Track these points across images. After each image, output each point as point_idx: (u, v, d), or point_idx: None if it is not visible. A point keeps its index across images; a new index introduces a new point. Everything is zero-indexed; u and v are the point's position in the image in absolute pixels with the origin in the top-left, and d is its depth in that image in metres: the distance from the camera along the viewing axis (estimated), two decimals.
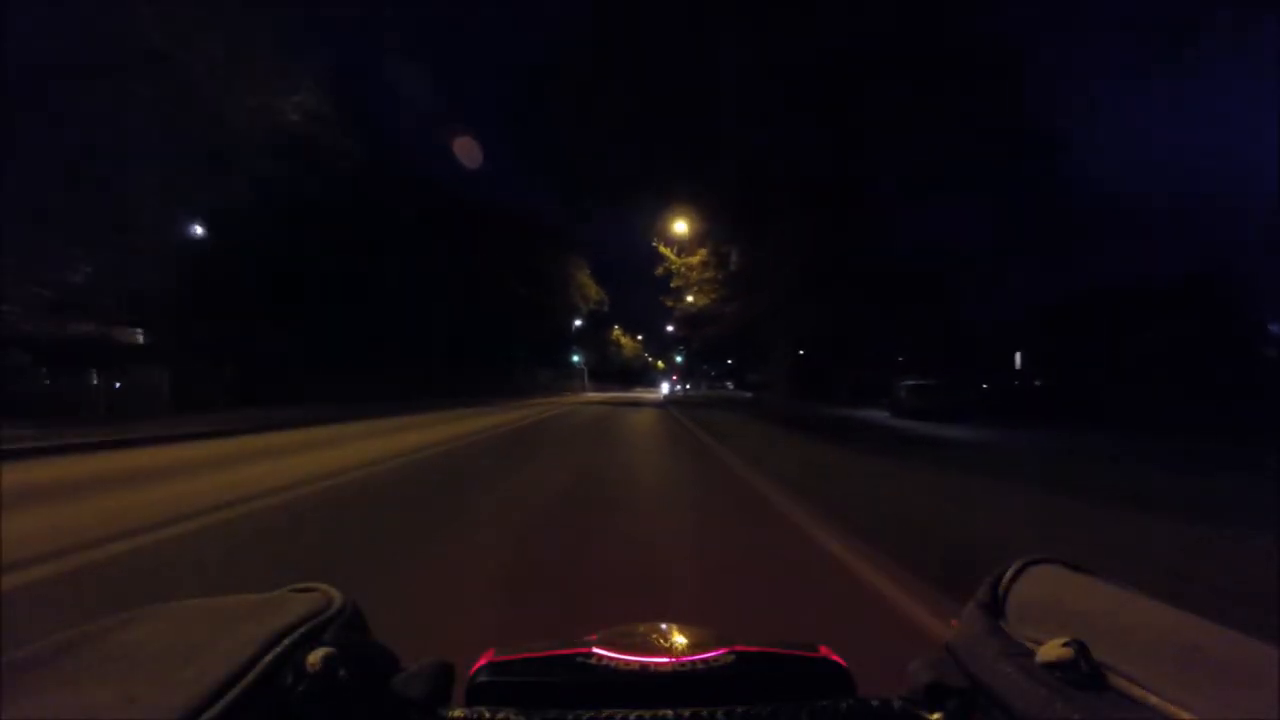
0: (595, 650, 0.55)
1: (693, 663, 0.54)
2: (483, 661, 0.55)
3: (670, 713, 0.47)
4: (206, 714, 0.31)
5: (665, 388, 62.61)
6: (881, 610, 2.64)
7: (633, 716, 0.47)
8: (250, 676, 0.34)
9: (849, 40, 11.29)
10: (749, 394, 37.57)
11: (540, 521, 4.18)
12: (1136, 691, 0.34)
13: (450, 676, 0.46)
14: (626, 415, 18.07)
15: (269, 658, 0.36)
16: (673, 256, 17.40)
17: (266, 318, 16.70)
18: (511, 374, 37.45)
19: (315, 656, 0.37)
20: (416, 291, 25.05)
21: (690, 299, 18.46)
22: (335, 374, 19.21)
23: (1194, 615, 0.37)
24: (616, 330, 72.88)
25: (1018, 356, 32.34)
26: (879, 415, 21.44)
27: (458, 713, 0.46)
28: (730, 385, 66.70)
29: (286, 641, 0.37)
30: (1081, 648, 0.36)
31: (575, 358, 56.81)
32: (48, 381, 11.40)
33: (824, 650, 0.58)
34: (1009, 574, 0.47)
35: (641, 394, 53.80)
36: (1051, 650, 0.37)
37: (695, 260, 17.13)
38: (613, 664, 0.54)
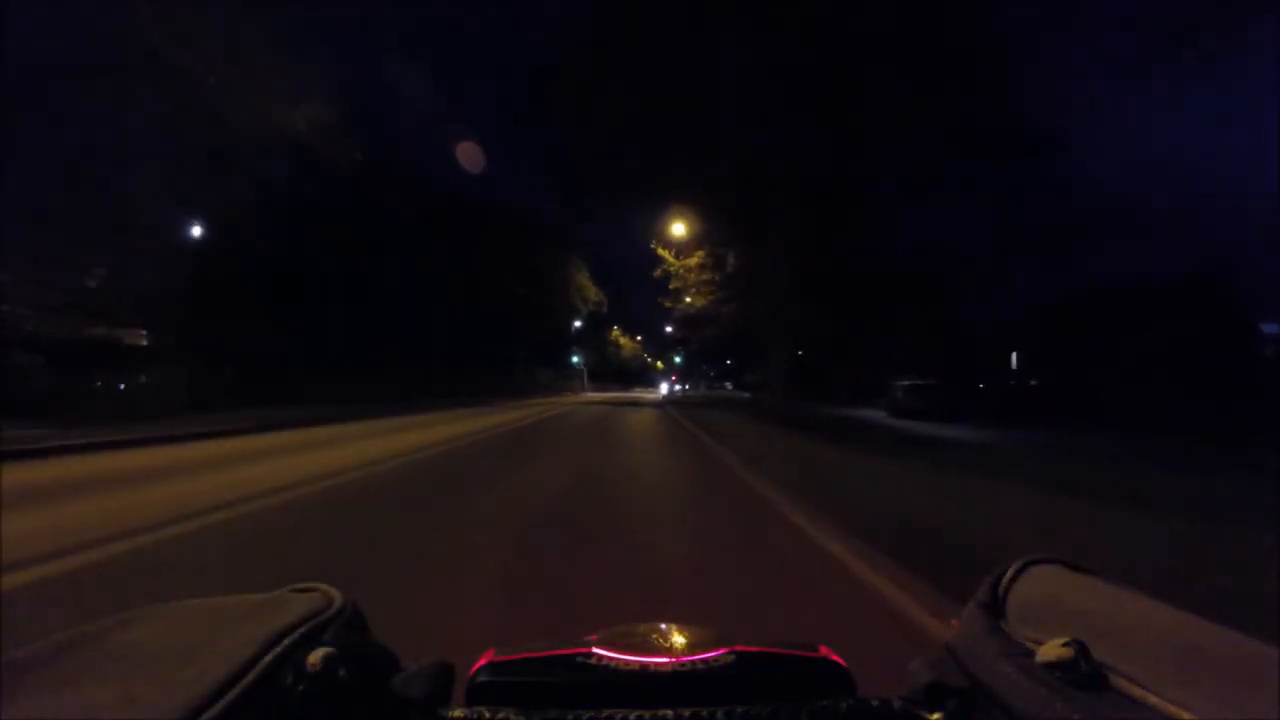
0: (595, 650, 0.55)
1: (693, 663, 0.54)
2: (483, 661, 0.55)
3: (670, 713, 0.47)
4: (206, 714, 0.31)
5: (664, 388, 62.61)
6: (881, 611, 2.64)
7: (633, 716, 0.47)
8: (250, 676, 0.34)
9: (849, 40, 11.30)
10: (747, 394, 37.58)
11: (540, 521, 4.18)
12: (1136, 691, 0.34)
13: (450, 676, 0.46)
14: (626, 415, 18.07)
15: (269, 658, 0.36)
16: (671, 258, 17.46)
17: (266, 318, 16.69)
18: (511, 374, 37.44)
19: (315, 656, 0.37)
20: (416, 291, 25.05)
21: (689, 300, 18.49)
22: (335, 374, 19.19)
23: (1194, 615, 0.37)
24: (616, 331, 72.91)
25: (1014, 356, 32.35)
26: (877, 415, 21.48)
27: (458, 713, 0.46)
28: (729, 386, 66.72)
29: (286, 641, 0.37)
30: (1081, 648, 0.36)
31: (575, 358, 56.82)
32: (56, 382, 11.41)
33: (824, 650, 0.58)
34: (1009, 574, 0.47)
35: (640, 394, 53.81)
36: (1051, 650, 0.37)
37: (693, 262, 17.17)
38: (613, 664, 0.54)
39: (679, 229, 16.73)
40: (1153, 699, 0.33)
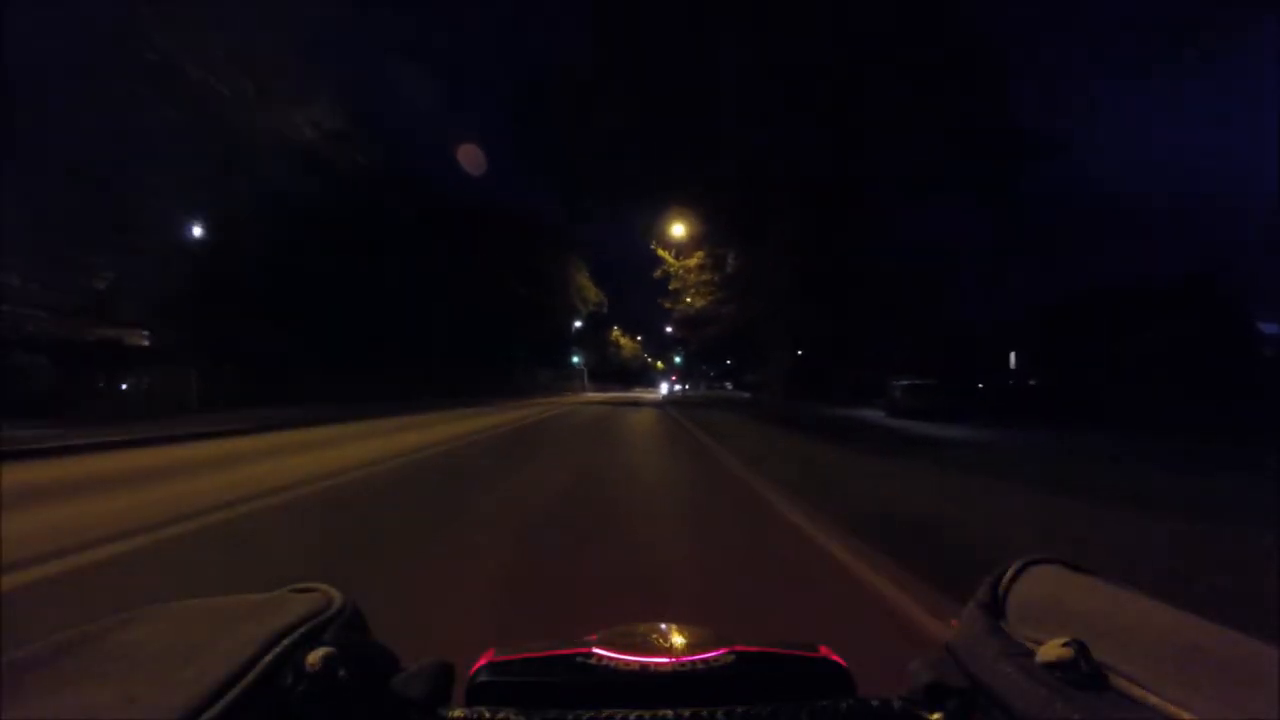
0: (595, 650, 0.55)
1: (693, 663, 0.54)
2: (483, 661, 0.55)
3: (670, 713, 0.47)
4: (206, 714, 0.31)
5: (664, 388, 62.65)
6: (880, 610, 2.64)
7: (633, 716, 0.46)
8: (250, 676, 0.34)
9: (849, 40, 11.30)
10: (747, 394, 37.63)
11: (540, 522, 4.18)
12: (1136, 691, 0.34)
13: (450, 676, 0.46)
14: (626, 415, 18.08)
15: (269, 658, 0.36)
16: (670, 259, 17.49)
17: (267, 318, 16.71)
18: (511, 374, 37.45)
19: (315, 656, 0.37)
20: (417, 291, 25.05)
21: (689, 300, 18.52)
22: (335, 374, 19.19)
23: (1194, 615, 0.37)
24: (616, 331, 72.92)
25: (1012, 356, 32.39)
26: (875, 415, 21.52)
27: (458, 713, 0.46)
28: (729, 385, 66.78)
29: (286, 641, 0.37)
30: (1081, 648, 0.36)
31: (575, 358, 56.85)
32: (56, 383, 11.44)
33: (824, 650, 0.58)
34: (1009, 574, 0.47)
35: (640, 394, 53.82)
36: (1051, 650, 0.37)
37: (693, 263, 17.20)
38: (613, 664, 0.54)
39: (678, 229, 16.76)
40: (1153, 699, 0.33)
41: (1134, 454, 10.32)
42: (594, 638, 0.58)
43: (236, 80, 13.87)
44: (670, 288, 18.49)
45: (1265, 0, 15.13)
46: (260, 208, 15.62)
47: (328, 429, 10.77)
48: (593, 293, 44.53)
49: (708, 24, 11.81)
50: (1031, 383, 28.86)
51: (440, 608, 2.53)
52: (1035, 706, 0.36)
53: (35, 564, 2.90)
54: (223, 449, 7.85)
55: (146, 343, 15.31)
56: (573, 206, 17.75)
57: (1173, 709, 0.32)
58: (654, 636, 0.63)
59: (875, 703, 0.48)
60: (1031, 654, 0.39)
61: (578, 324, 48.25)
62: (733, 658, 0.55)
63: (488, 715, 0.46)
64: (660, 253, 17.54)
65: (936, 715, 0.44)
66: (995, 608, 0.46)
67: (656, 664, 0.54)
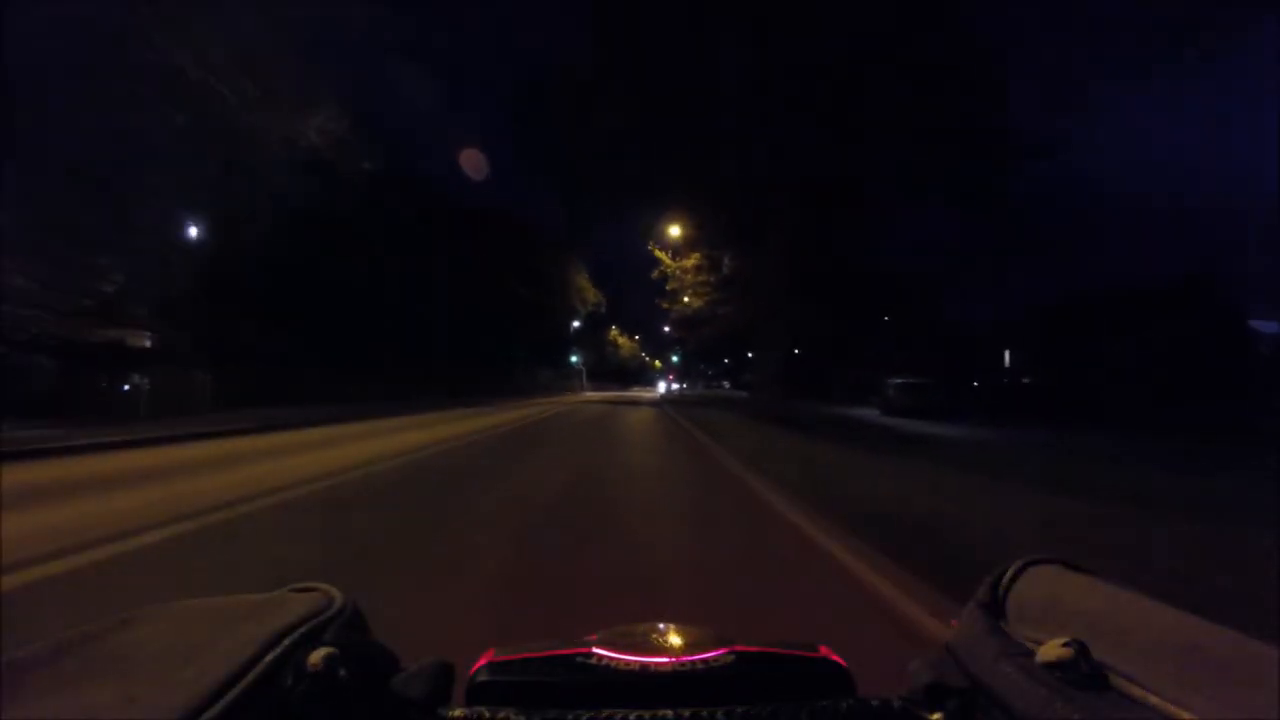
0: (595, 650, 0.55)
1: (693, 663, 0.54)
2: (483, 661, 0.55)
3: (670, 713, 0.47)
4: (206, 714, 0.31)
5: (662, 387, 62.71)
6: (877, 609, 2.64)
7: (633, 716, 0.46)
8: (250, 676, 0.34)
9: (849, 41, 11.30)
10: (745, 393, 37.72)
11: (540, 521, 4.18)
12: (1136, 691, 0.34)
13: (450, 676, 0.46)
14: (625, 415, 18.08)
15: (269, 658, 0.36)
16: (668, 260, 17.53)
17: (267, 318, 16.71)
18: (511, 374, 37.45)
19: (316, 656, 0.37)
20: (417, 292, 25.06)
21: (686, 300, 18.57)
22: (335, 374, 19.18)
23: (1194, 615, 0.37)
24: (614, 331, 72.93)
25: (1006, 355, 32.47)
26: (870, 413, 21.66)
27: (458, 713, 0.46)
28: (727, 385, 66.84)
29: (287, 641, 0.37)
30: (1081, 648, 0.36)
31: (574, 358, 56.88)
32: (57, 383, 11.45)
33: (824, 650, 0.58)
34: (1009, 574, 0.47)
35: (639, 393, 53.85)
36: (1051, 650, 0.37)
37: (690, 264, 17.24)
38: (613, 664, 0.54)
39: (675, 230, 16.82)
40: (1153, 699, 0.33)
41: (1134, 454, 10.34)
42: (594, 638, 0.58)
43: (237, 81, 13.87)
44: (668, 288, 18.56)
45: (1265, 0, 15.13)
46: (261, 208, 15.62)
47: (328, 429, 10.77)
48: (591, 293, 44.66)
49: (708, 24, 11.81)
50: (1025, 381, 28.99)
51: (440, 607, 2.53)
52: (1035, 706, 0.36)
53: (35, 564, 2.90)
54: (223, 449, 7.84)
55: (148, 344, 15.32)
56: (572, 207, 17.79)
57: (1173, 709, 0.32)
58: (654, 636, 0.63)
59: (875, 703, 0.48)
60: (1031, 654, 0.39)
61: (577, 324, 48.32)
62: (733, 658, 0.55)
63: (488, 715, 0.46)
64: (658, 254, 17.59)
65: (936, 715, 0.44)
66: (995, 608, 0.46)
67: (656, 664, 0.54)
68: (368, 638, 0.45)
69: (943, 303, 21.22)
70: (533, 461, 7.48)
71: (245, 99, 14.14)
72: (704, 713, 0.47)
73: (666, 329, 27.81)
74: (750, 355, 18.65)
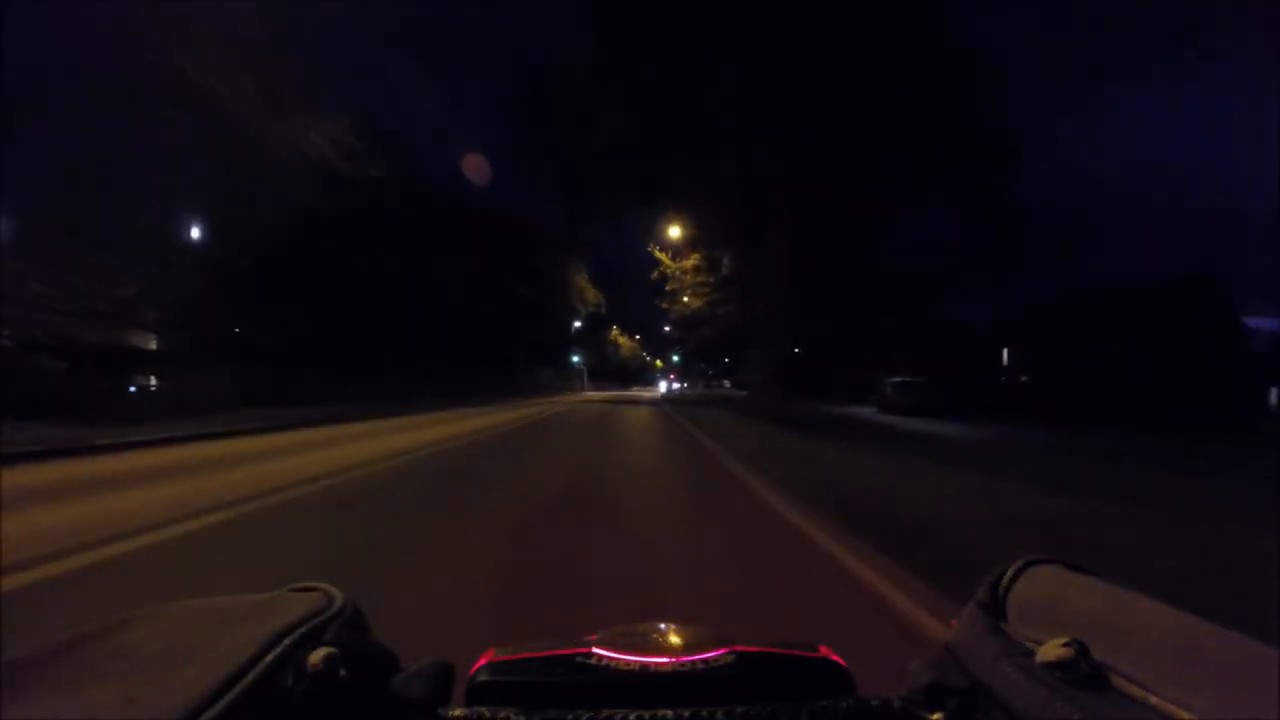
0: (595, 650, 0.55)
1: (693, 663, 0.54)
2: (483, 661, 0.55)
3: (670, 713, 0.47)
4: (206, 714, 0.30)
5: (663, 386, 62.79)
6: (879, 608, 2.64)
7: (633, 716, 0.46)
8: (250, 676, 0.34)
9: (849, 41, 11.29)
10: (745, 392, 37.77)
11: (540, 521, 4.18)
12: (1136, 691, 0.34)
13: (450, 676, 0.46)
14: (625, 414, 18.09)
15: (269, 658, 0.36)
16: (667, 261, 17.55)
17: (268, 319, 16.71)
18: (512, 374, 37.45)
19: (316, 656, 0.37)
20: (418, 292, 25.06)
21: (685, 300, 18.59)
22: (335, 374, 19.18)
23: (1194, 615, 0.37)
24: (615, 330, 72.98)
25: (1004, 353, 32.53)
26: (868, 412, 21.82)
27: (458, 713, 0.46)
28: (727, 384, 66.85)
29: (287, 641, 0.37)
30: (1081, 648, 0.36)
31: (575, 358, 56.92)
32: (57, 384, 11.48)
33: (824, 650, 0.58)
34: (1009, 574, 0.47)
35: (639, 393, 53.87)
36: (1051, 650, 0.37)
37: (689, 265, 17.26)
38: (613, 664, 0.54)
39: (675, 231, 16.84)
40: (1153, 699, 0.33)
41: (1134, 454, 10.34)
42: (594, 637, 0.58)
43: (241, 85, 13.90)
44: (667, 289, 18.59)
45: (1265, 0, 15.13)
46: (262, 209, 15.65)
47: (328, 429, 10.77)
48: (592, 294, 44.71)
49: (708, 24, 11.81)
50: (1024, 380, 29.09)
51: (440, 607, 2.53)
52: (1035, 706, 0.36)
53: (34, 565, 2.90)
54: (224, 449, 7.85)
55: (154, 345, 15.36)
56: (572, 207, 17.81)
57: (1173, 709, 0.32)
58: (654, 636, 0.63)
59: (875, 703, 0.48)
60: (1031, 654, 0.39)
61: (577, 324, 48.35)
62: (733, 658, 0.55)
63: (488, 715, 0.46)
64: (658, 254, 17.61)
65: (936, 715, 0.44)
66: (995, 608, 0.46)
67: (656, 664, 0.54)
68: (368, 637, 0.45)
69: (943, 303, 21.20)
70: (533, 461, 7.48)
71: (250, 103, 14.17)
72: (704, 713, 0.47)
73: (667, 329, 27.86)
74: (750, 354, 18.70)
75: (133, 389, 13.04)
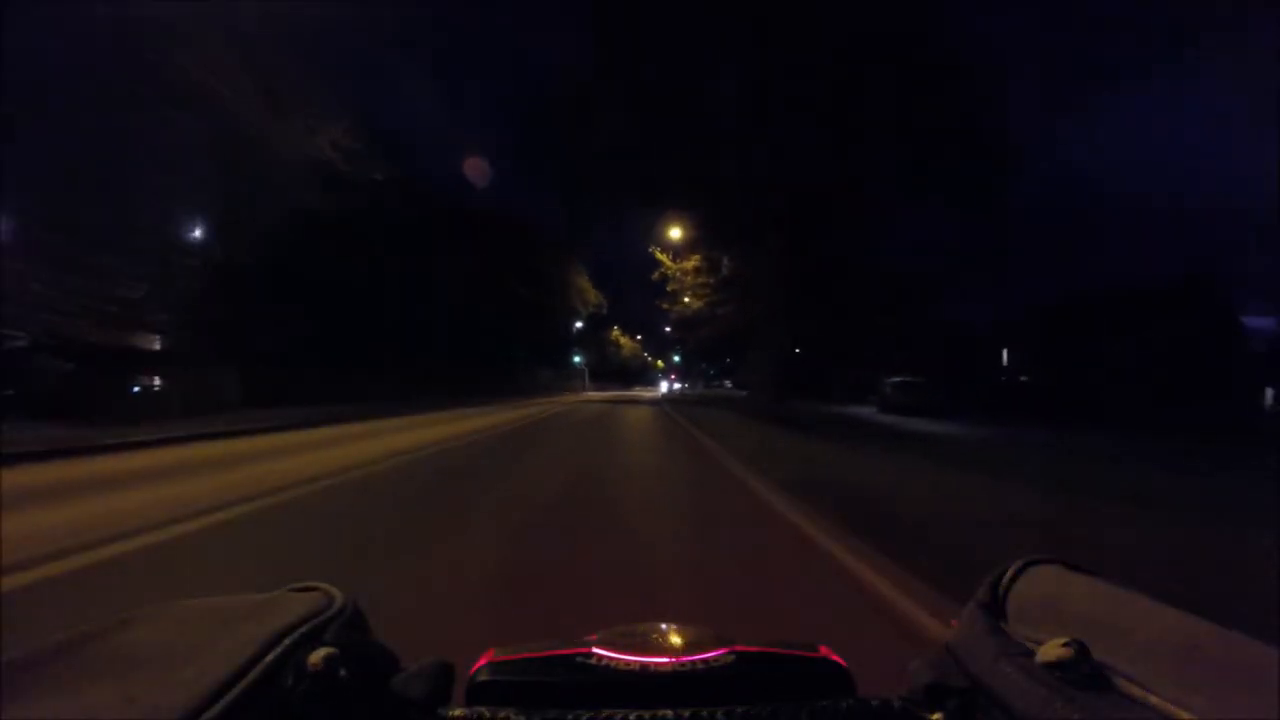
0: (595, 650, 0.55)
1: (693, 663, 0.54)
2: (483, 661, 0.55)
3: (670, 713, 0.47)
4: (206, 714, 0.30)
5: (664, 386, 62.81)
6: (879, 608, 2.64)
7: (633, 716, 0.46)
8: (250, 676, 0.34)
9: (848, 42, 11.30)
10: (744, 392, 37.79)
11: (540, 520, 4.18)
12: (1136, 691, 0.34)
13: (450, 676, 0.46)
14: (625, 414, 18.09)
15: (269, 658, 0.35)
16: (668, 262, 17.57)
17: (269, 319, 16.72)
18: (513, 374, 37.44)
19: (316, 656, 0.37)
20: (417, 292, 25.06)
21: (686, 300, 18.60)
22: (335, 374, 19.18)
23: (1194, 615, 0.37)
24: (615, 331, 72.95)
25: (1004, 353, 32.56)
26: (867, 411, 21.85)
27: (458, 712, 0.46)
28: (728, 384, 66.89)
29: (287, 641, 0.37)
30: (1081, 648, 0.36)
31: (575, 358, 56.92)
32: (57, 384, 11.49)
33: (824, 650, 0.58)
34: (1009, 574, 0.47)
35: (640, 393, 53.88)
36: (1051, 650, 0.37)
37: (689, 265, 17.28)
38: (613, 664, 0.54)
39: (675, 232, 16.86)
40: (1153, 699, 0.33)
41: (1133, 453, 10.34)
42: (594, 637, 0.58)
43: (238, 82, 13.91)
44: (668, 289, 18.60)
45: (1265, 0, 15.11)
46: (263, 210, 15.67)
47: (329, 429, 10.78)
48: (592, 294, 44.67)
49: (707, 25, 11.82)
50: (1023, 379, 29.13)
51: (440, 606, 2.53)
52: (1035, 706, 0.36)
53: (34, 565, 2.90)
54: (224, 449, 7.85)
55: (157, 346, 15.38)
56: (572, 207, 17.80)
57: (1172, 709, 0.32)
58: (654, 636, 0.63)
59: (875, 703, 0.48)
60: (1031, 654, 0.39)
61: (578, 324, 48.34)
62: (733, 658, 0.55)
63: (488, 715, 0.46)
64: (658, 255, 17.62)
65: (936, 715, 0.44)
66: (995, 608, 0.46)
67: (656, 664, 0.54)
68: (368, 637, 0.45)
69: (943, 303, 21.22)
70: (532, 461, 7.49)
71: (250, 103, 14.19)
72: (704, 713, 0.47)
73: (667, 329, 27.89)
74: (750, 355, 18.72)
75: (135, 389, 13.04)
